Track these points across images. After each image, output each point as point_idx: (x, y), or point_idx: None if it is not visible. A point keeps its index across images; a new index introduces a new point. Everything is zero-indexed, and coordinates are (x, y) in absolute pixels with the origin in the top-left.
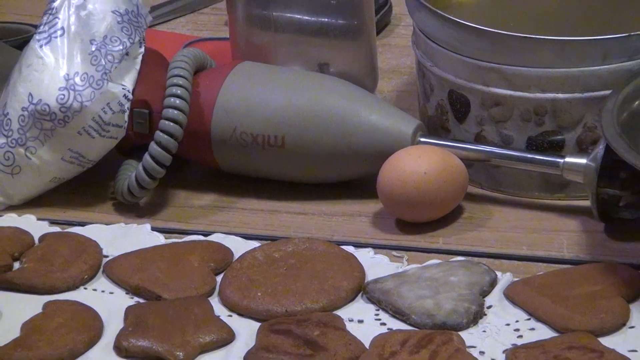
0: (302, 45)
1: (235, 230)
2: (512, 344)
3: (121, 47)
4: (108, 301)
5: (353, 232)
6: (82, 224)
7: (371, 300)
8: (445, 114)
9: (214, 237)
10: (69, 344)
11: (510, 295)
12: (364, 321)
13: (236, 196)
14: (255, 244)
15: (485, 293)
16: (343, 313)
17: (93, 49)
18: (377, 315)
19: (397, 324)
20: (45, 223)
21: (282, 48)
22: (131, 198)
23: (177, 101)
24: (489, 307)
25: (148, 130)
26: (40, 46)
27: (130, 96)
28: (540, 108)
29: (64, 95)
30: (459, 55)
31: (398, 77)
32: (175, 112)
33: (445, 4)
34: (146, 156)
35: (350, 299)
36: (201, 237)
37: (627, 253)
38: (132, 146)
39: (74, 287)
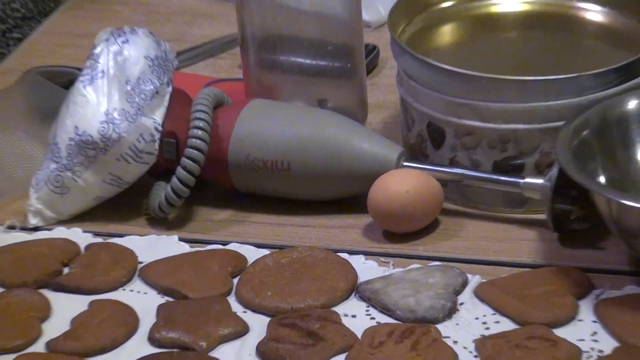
0: (304, 85)
1: (248, 240)
2: (481, 335)
3: (152, 87)
4: (143, 300)
5: (347, 241)
6: (121, 236)
7: (363, 298)
8: (424, 142)
9: (231, 246)
10: (111, 336)
11: (479, 294)
12: (356, 316)
13: (249, 212)
14: (265, 251)
15: (458, 292)
16: (339, 309)
17: (128, 89)
18: (367, 311)
19: (384, 319)
20: (90, 235)
21: (287, 87)
22: (161, 214)
23: (200, 132)
24: (461, 304)
25: (175, 157)
26: (84, 86)
27: (160, 128)
28: (504, 137)
29: (104, 127)
30: (436, 92)
31: (384, 111)
32: (198, 141)
33: (424, 49)
34: (174, 179)
35: (345, 297)
36: (220, 246)
37: (577, 258)
38: (162, 170)
39: (114, 288)
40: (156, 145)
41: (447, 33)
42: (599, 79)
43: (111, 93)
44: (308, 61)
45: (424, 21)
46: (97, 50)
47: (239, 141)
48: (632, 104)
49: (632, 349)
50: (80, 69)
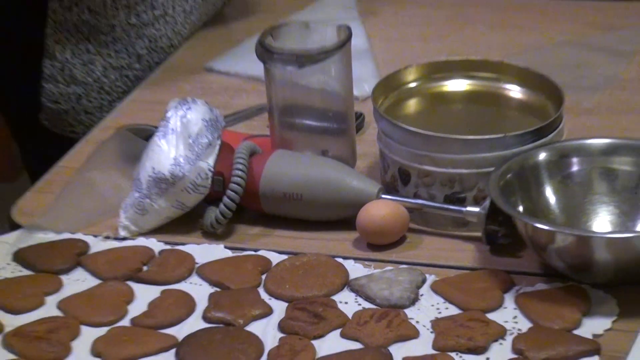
0: (312, 140)
1: (273, 248)
2: (435, 317)
3: (207, 140)
4: (199, 290)
5: (342, 250)
6: (183, 244)
7: (352, 290)
8: (396, 181)
9: (261, 252)
10: (176, 314)
11: (434, 288)
12: (348, 303)
13: (273, 228)
14: (284, 257)
15: (419, 287)
16: (336, 298)
17: (190, 142)
18: (356, 299)
19: (368, 305)
20: (162, 243)
21: (301, 141)
22: (212, 229)
23: (240, 173)
24: (422, 295)
25: (222, 189)
26: (159, 139)
27: (212, 169)
28: (452, 178)
29: (173, 168)
30: (404, 146)
31: (368, 158)
32: (239, 179)
33: (396, 116)
34: (221, 205)
35: (340, 289)
36: (253, 252)
37: (503, 264)
38: (212, 198)
39: (179, 281)
40: (209, 181)
41: (412, 105)
42: (518, 139)
43: (178, 144)
44: (315, 123)
45: (396, 96)
46: (169, 114)
47: (267, 179)
48: (541, 156)
49: (542, 328)
50: (156, 127)
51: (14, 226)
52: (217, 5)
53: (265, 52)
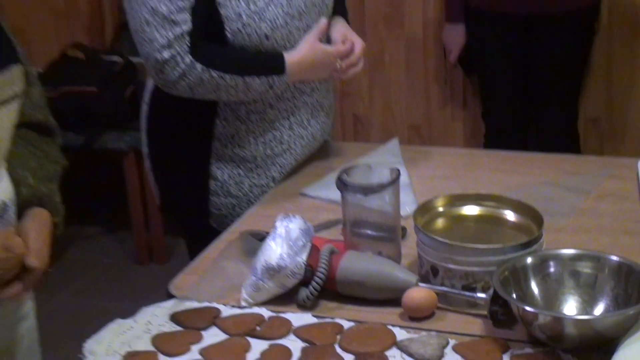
0: (372, 244)
1: (345, 317)
2: None
3: (302, 243)
4: (294, 344)
5: (392, 320)
6: (284, 312)
7: (399, 348)
8: (428, 274)
9: (337, 320)
10: None
11: (454, 349)
12: (395, 357)
13: (345, 304)
14: (353, 324)
15: (444, 347)
16: (388, 353)
17: (291, 244)
18: (402, 355)
19: (409, 359)
20: (270, 312)
21: (364, 245)
22: (304, 303)
23: (324, 266)
24: (446, 353)
25: (311, 276)
26: (270, 240)
27: (305, 263)
28: (467, 274)
29: (279, 261)
30: (434, 251)
31: (410, 258)
32: (323, 270)
33: (429, 230)
34: (310, 287)
35: (391, 347)
36: (330, 320)
37: (502, 334)
38: (304, 282)
39: (281, 338)
40: (303, 271)
41: (440, 223)
42: (513, 248)
43: (283, 245)
44: (374, 233)
45: (429, 216)
46: (277, 224)
47: (342, 270)
48: (528, 261)
49: None
50: (267, 233)
51: (170, 296)
52: (320, 142)
53: (342, 185)
